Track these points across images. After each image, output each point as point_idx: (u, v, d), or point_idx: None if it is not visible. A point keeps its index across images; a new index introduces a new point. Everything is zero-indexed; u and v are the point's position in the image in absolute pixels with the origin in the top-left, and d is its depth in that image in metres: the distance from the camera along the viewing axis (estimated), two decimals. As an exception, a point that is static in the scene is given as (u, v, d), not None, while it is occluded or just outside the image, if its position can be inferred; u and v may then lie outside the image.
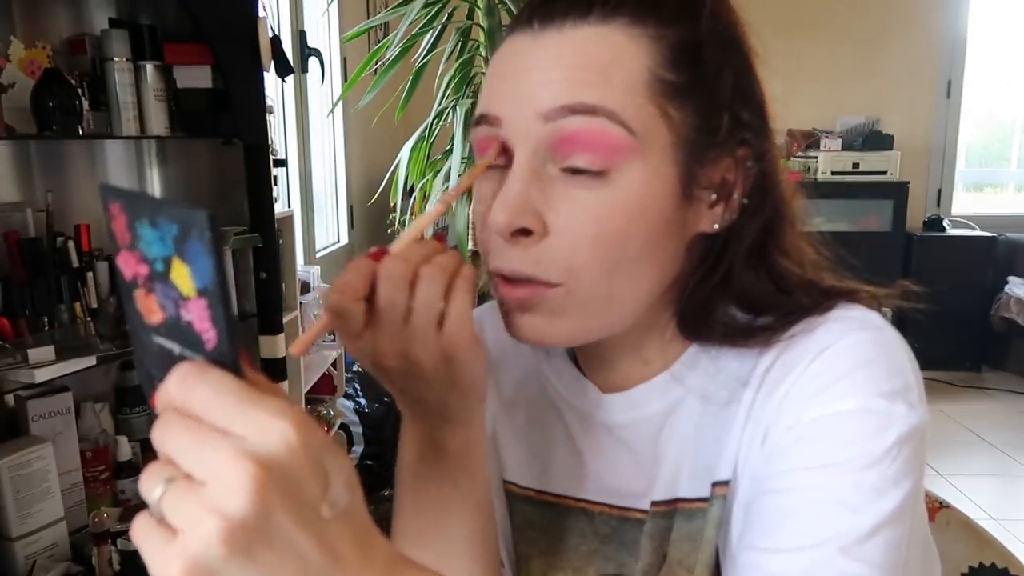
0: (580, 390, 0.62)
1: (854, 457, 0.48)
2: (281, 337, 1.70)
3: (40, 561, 1.23)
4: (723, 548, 0.55)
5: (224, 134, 1.59)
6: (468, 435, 0.53)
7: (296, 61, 2.65)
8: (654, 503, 0.58)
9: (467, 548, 0.55)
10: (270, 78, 1.71)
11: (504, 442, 0.67)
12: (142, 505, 0.32)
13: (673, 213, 0.52)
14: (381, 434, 2.48)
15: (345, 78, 3.20)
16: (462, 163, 2.14)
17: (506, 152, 0.52)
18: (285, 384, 1.77)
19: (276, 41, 1.72)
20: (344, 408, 2.49)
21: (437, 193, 2.31)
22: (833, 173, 4.02)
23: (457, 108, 2.21)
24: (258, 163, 1.62)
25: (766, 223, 0.55)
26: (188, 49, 1.52)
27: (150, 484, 0.32)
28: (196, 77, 1.53)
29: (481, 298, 0.55)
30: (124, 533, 1.28)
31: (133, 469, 1.46)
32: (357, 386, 2.55)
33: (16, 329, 1.28)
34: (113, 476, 1.44)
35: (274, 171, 1.77)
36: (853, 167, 4.03)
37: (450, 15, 2.26)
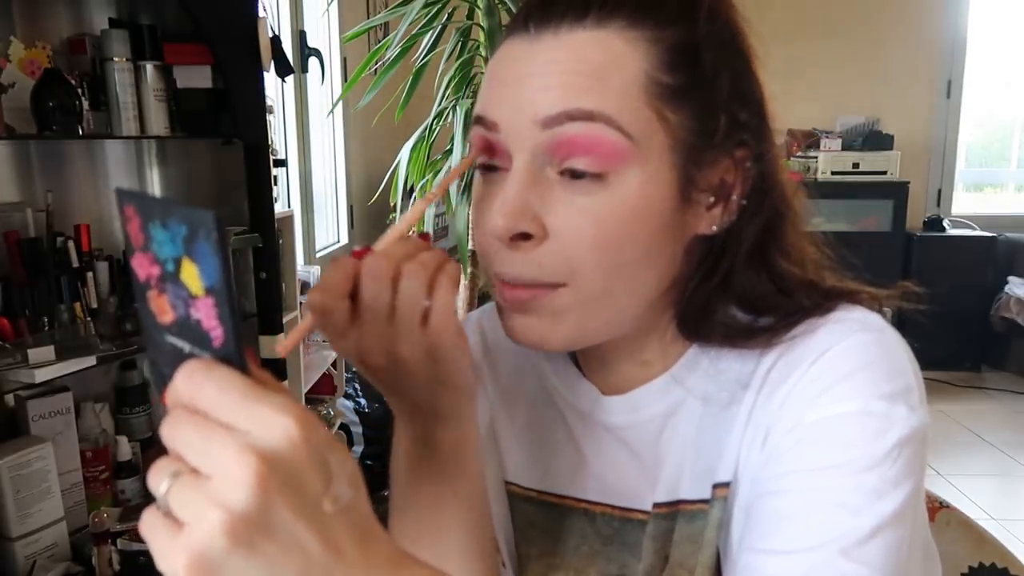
0: (581, 391, 0.62)
1: (855, 459, 0.48)
2: (281, 337, 1.70)
3: (40, 561, 1.23)
4: (724, 550, 0.55)
5: (224, 134, 1.59)
6: (459, 432, 0.53)
7: (296, 61, 2.65)
8: (656, 504, 0.58)
9: (463, 544, 0.55)
10: (270, 78, 1.71)
11: (505, 442, 0.67)
12: (142, 505, 0.33)
13: (671, 216, 0.52)
14: (381, 434, 2.48)
15: (345, 78, 3.20)
16: (462, 163, 2.13)
17: (500, 154, 0.52)
18: (285, 384, 1.77)
19: (276, 41, 1.72)
20: (344, 408, 2.49)
21: (437, 193, 2.29)
22: (833, 173, 4.01)
23: (457, 108, 2.20)
24: (258, 163, 1.62)
25: (766, 223, 0.55)
26: (188, 49, 1.52)
27: (157, 478, 0.32)
28: (196, 77, 1.53)
29: (481, 298, 0.55)
30: (124, 533, 1.28)
31: (133, 469, 1.46)
32: (357, 386, 2.55)
33: (16, 329, 1.28)
34: (113, 476, 1.44)
35: (274, 171, 1.77)
36: (853, 167, 4.03)
37: (450, 15, 2.25)
